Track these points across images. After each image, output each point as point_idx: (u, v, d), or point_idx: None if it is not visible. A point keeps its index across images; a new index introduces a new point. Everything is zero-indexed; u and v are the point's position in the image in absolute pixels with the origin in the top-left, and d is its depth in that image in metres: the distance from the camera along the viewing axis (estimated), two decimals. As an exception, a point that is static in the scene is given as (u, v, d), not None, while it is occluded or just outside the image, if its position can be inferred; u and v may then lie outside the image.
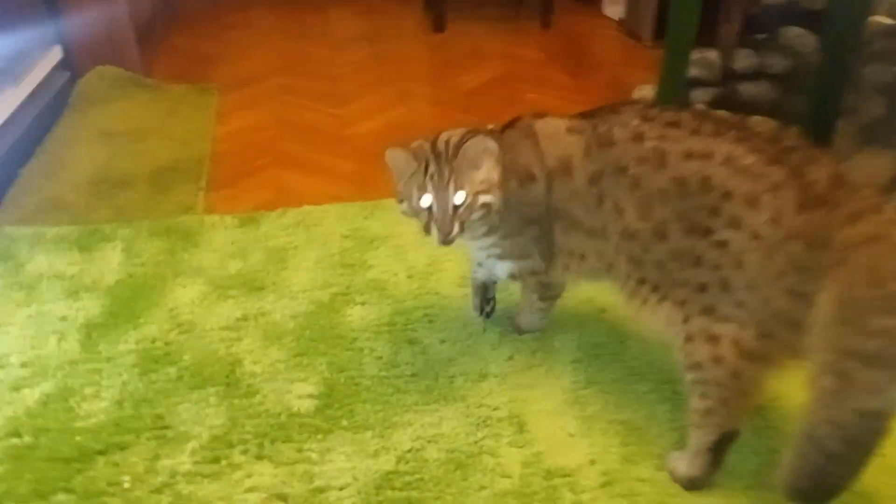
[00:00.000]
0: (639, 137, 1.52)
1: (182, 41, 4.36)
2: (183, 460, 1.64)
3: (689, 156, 1.45)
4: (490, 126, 1.72)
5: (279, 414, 1.76)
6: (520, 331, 2.00)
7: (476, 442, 1.69)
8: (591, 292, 2.13)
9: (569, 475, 1.61)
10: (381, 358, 1.93)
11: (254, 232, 2.45)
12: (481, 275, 1.98)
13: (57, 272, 2.24)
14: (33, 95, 3.02)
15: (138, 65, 3.63)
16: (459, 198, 1.56)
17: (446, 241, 1.58)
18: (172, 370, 1.88)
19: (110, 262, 2.29)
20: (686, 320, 1.48)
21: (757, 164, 1.38)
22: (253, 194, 2.72)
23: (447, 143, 1.60)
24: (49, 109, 3.14)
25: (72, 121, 3.22)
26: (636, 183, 1.50)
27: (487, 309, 2.05)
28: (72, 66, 3.41)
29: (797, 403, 1.37)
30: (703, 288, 1.43)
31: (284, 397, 1.81)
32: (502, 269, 1.82)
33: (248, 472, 1.61)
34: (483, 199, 1.59)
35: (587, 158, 1.58)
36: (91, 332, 2.00)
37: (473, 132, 1.62)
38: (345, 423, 1.74)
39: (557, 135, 1.64)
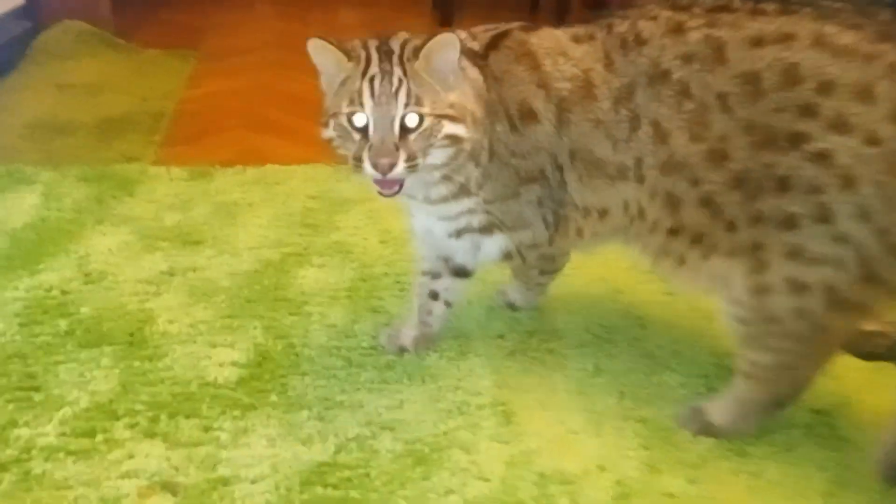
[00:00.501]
0: (678, 29, 1.13)
1: (170, 15, 4.04)
2: (46, 431, 1.21)
3: (758, 42, 1.06)
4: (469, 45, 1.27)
5: (188, 382, 1.33)
6: (512, 307, 1.59)
7: (445, 433, 1.26)
8: (602, 270, 1.72)
9: (570, 482, 1.17)
10: (333, 326, 1.51)
11: (203, 186, 2.05)
12: (433, 267, 1.43)
13: (-46, 210, 1.84)
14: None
15: (110, 24, 3.29)
16: (412, 119, 1.11)
17: (385, 176, 1.11)
18: (63, 323, 1.46)
19: (22, 205, 1.89)
20: (759, 269, 1.11)
21: (861, 43, 0.99)
22: (213, 153, 2.33)
23: (404, 43, 1.16)
24: (1, 55, 2.78)
25: (25, 71, 2.86)
26: (684, 90, 1.12)
27: (412, 337, 1.45)
28: (34, 18, 3.07)
29: (869, 408, 1.24)
30: (789, 222, 1.06)
31: (200, 363, 1.38)
32: (491, 247, 1.34)
33: (129, 451, 1.18)
34: (450, 128, 1.13)
35: (609, 70, 1.18)
36: (-26, 274, 1.59)
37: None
38: (274, 398, 1.31)
39: (562, 47, 1.22)
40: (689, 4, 1.16)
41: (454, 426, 1.27)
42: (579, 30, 1.24)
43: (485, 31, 1.27)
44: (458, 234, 1.32)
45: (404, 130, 1.12)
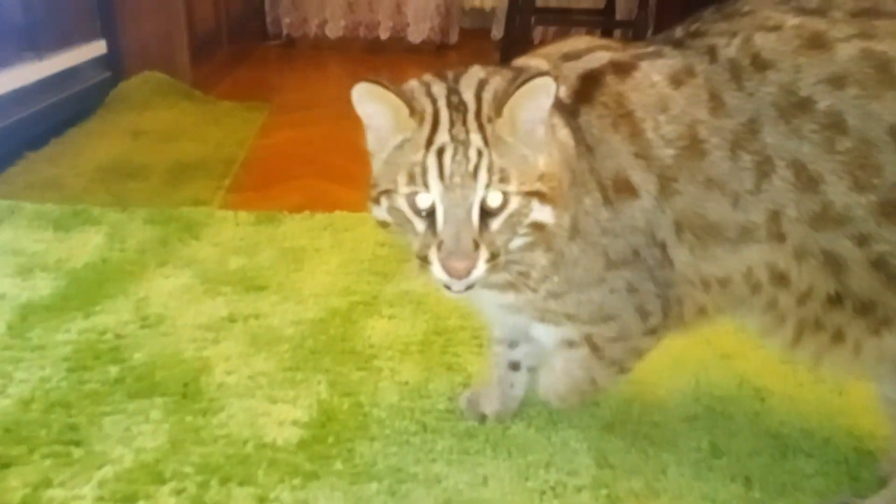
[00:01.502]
0: (817, 42, 0.91)
1: (246, 71, 4.12)
2: (83, 493, 1.06)
3: None
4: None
5: (245, 442, 1.17)
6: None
7: (537, 519, 1.06)
8: (705, 331, 1.51)
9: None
10: (405, 384, 1.34)
11: (270, 231, 1.95)
12: (509, 334, 1.23)
13: (17, 248, 1.78)
14: (61, 82, 2.69)
15: (188, 76, 3.33)
16: (495, 198, 0.87)
17: (462, 284, 0.89)
18: (113, 370, 1.33)
19: (86, 245, 1.81)
20: None
21: None
22: (281, 199, 2.24)
23: (480, 89, 0.90)
24: (77, 102, 2.81)
25: (102, 118, 2.88)
26: (836, 124, 0.89)
27: (494, 409, 1.25)
28: (116, 67, 3.11)
29: None
30: None
31: (258, 420, 1.23)
32: (550, 336, 1.10)
33: (173, 522, 1.02)
34: (538, 212, 0.90)
35: (719, 115, 0.94)
36: (28, 314, 1.49)
37: (531, 72, 0.89)
38: (339, 466, 1.14)
39: (663, 100, 0.96)
40: (822, 7, 0.93)
41: (550, 509, 1.07)
42: (675, 63, 0.97)
43: (564, 58, 1.02)
44: (516, 316, 1.08)
45: (484, 215, 0.88)
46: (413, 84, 0.93)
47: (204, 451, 1.15)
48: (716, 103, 0.94)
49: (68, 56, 2.74)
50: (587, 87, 0.98)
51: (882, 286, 0.92)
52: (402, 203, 0.89)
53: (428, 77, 0.94)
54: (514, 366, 1.25)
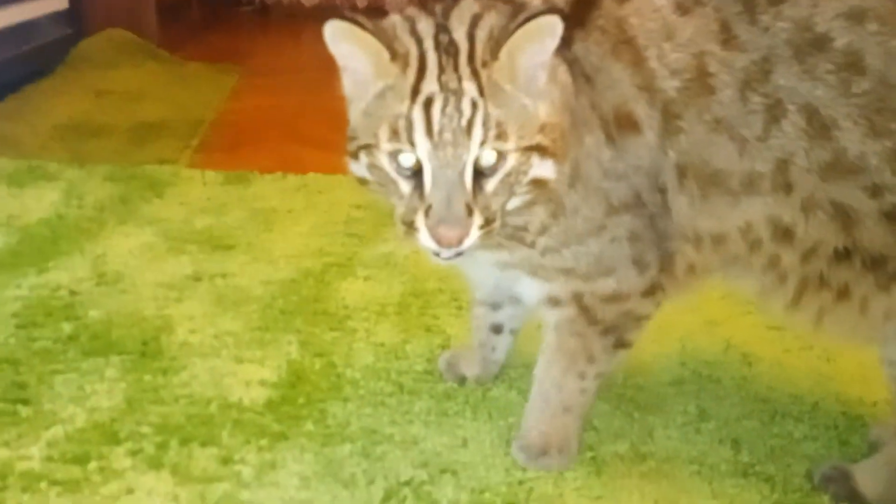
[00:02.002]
0: None
1: (217, 35, 3.96)
2: (29, 453, 0.98)
3: None
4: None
5: (207, 402, 1.10)
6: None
7: (521, 482, 1.00)
8: (692, 298, 1.46)
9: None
10: (381, 345, 1.27)
11: (240, 191, 1.86)
12: (492, 296, 1.15)
13: (-34, 203, 1.67)
14: (17, 36, 2.55)
15: (155, 36, 3.19)
16: (489, 156, 0.78)
17: (452, 251, 0.80)
18: (66, 327, 1.25)
19: (41, 201, 1.71)
20: None
21: None
22: (252, 160, 2.14)
23: (473, 27, 0.80)
24: (36, 59, 2.67)
25: (62, 76, 2.74)
26: (854, 63, 0.83)
27: (475, 373, 1.18)
28: (77, 24, 2.96)
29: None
30: None
31: (223, 381, 1.15)
32: (538, 291, 0.99)
33: (128, 484, 0.95)
34: (539, 167, 0.81)
35: (730, 48, 0.87)
36: (-25, 270, 1.40)
37: (524, 9, 0.80)
38: (309, 427, 1.07)
39: (667, 26, 0.89)
40: None
41: (532, 475, 1.01)
42: None
43: None
44: (502, 266, 0.98)
45: (478, 175, 0.78)
46: (395, 20, 0.83)
47: (163, 411, 1.07)
48: (727, 35, 0.87)
49: (25, 9, 2.59)
50: (580, 10, 0.89)
51: (894, 239, 0.87)
52: (383, 161, 0.80)
53: (413, 11, 0.83)
54: (497, 329, 1.19)
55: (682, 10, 0.89)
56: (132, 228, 1.61)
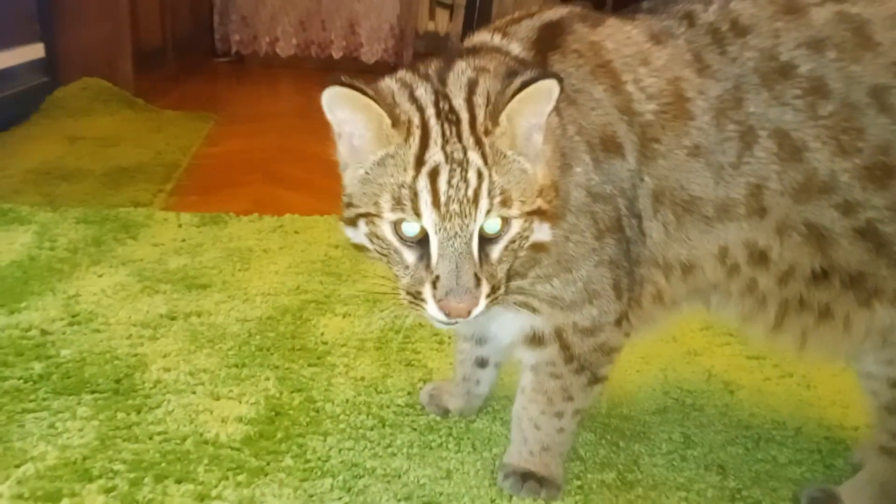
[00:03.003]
0: (793, 8, 0.89)
1: (194, 85, 3.99)
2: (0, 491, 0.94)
3: None
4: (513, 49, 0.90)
5: (183, 439, 1.07)
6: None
7: (506, 512, 0.98)
8: (671, 329, 1.48)
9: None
10: (361, 379, 1.25)
11: (215, 232, 1.85)
12: (478, 339, 1.14)
13: (-66, 246, 1.63)
14: (-8, 83, 2.55)
15: (131, 85, 3.21)
16: (494, 224, 0.78)
17: (460, 318, 0.78)
18: (38, 366, 1.21)
19: (12, 243, 1.67)
20: None
21: None
22: (227, 203, 2.13)
23: (471, 93, 0.79)
24: (10, 106, 2.66)
25: (36, 123, 2.73)
26: (818, 88, 0.87)
27: (458, 406, 1.17)
28: (53, 72, 2.97)
29: None
30: None
31: (199, 417, 1.12)
32: (519, 329, 0.97)
33: (100, 522, 0.91)
34: (539, 232, 0.82)
35: (704, 75, 0.90)
36: (-58, 311, 1.36)
37: (532, 74, 0.78)
38: (288, 462, 1.04)
39: (642, 53, 0.91)
40: None
41: (518, 503, 0.99)
42: (653, 23, 0.94)
43: (518, 21, 0.94)
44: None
45: (482, 242, 0.78)
46: (392, 85, 0.81)
47: (137, 448, 1.04)
48: (701, 64, 0.89)
49: (1, 57, 2.59)
50: (550, 35, 0.90)
51: (871, 256, 0.89)
52: (386, 231, 0.78)
53: (408, 76, 0.82)
54: (482, 362, 1.18)
55: (656, 39, 0.91)
56: (105, 269, 1.59)
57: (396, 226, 0.77)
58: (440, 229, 0.76)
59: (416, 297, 0.78)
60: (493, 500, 1.00)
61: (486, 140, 0.77)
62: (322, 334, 1.39)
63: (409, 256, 0.78)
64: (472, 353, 1.17)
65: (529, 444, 1.02)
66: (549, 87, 0.76)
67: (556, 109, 0.85)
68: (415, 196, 0.75)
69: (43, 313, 1.38)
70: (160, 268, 1.62)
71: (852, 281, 0.90)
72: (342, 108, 0.78)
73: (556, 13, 0.93)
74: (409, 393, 1.22)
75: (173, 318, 1.40)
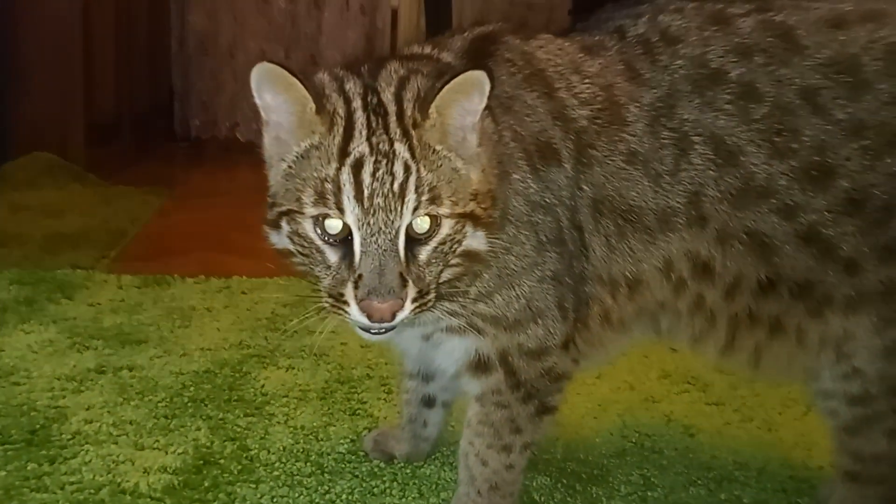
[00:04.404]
0: (720, 19, 0.90)
1: (148, 164, 3.95)
2: None
3: (838, 23, 0.87)
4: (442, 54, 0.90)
5: (98, 489, 0.97)
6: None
7: (454, 558, 0.90)
8: (629, 377, 1.43)
9: None
10: (300, 428, 1.17)
11: (157, 292, 1.77)
12: (425, 375, 1.09)
13: None
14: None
15: (82, 159, 3.16)
16: (422, 223, 0.75)
17: (384, 326, 0.75)
18: (-57, 419, 1.11)
19: (-66, 303, 1.58)
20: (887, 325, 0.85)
21: None
22: (174, 269, 2.05)
23: (401, 87, 0.78)
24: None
25: (-22, 195, 2.65)
26: (749, 92, 0.87)
27: (404, 451, 1.11)
28: (2, 146, 2.92)
29: None
30: None
31: (119, 467, 1.03)
32: (464, 355, 0.91)
33: (-10, 578, 0.80)
34: (471, 238, 0.78)
35: (636, 83, 0.90)
36: None
37: (459, 67, 0.80)
38: (214, 511, 0.95)
39: (574, 63, 0.91)
40: None
41: (466, 547, 0.91)
42: (585, 38, 0.94)
43: (451, 36, 0.93)
44: (427, 337, 0.93)
45: (410, 243, 0.74)
46: (323, 77, 0.80)
47: (45, 499, 0.94)
48: (633, 73, 0.90)
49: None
50: (482, 45, 0.90)
51: (817, 262, 0.87)
52: (308, 228, 0.75)
53: (340, 71, 0.81)
54: (429, 402, 1.11)
55: (587, 51, 0.92)
56: (35, 326, 1.50)
57: (319, 222, 0.74)
58: (363, 224, 0.72)
59: (338, 299, 0.74)
60: (439, 546, 0.91)
61: (414, 133, 0.74)
62: (262, 386, 1.31)
63: (332, 256, 0.75)
64: (418, 391, 1.11)
65: (477, 482, 0.94)
66: (479, 78, 0.75)
67: (492, 115, 0.84)
68: (338, 190, 0.72)
69: (-42, 368, 1.28)
70: (94, 325, 1.53)
71: (801, 290, 0.88)
72: (269, 89, 0.76)
73: (487, 27, 0.93)
74: (352, 440, 1.14)
75: (101, 372, 1.31)
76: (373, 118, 0.75)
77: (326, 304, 0.75)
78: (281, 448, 1.10)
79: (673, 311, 0.94)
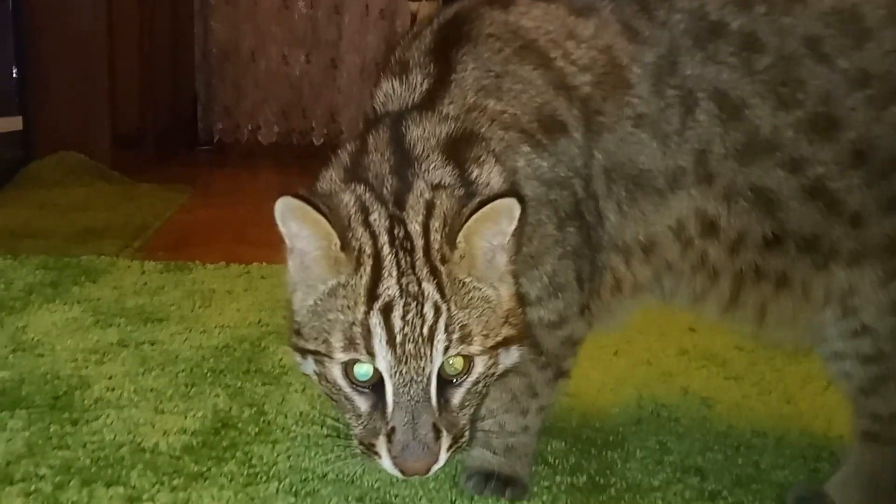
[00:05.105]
0: None
1: (173, 165, 4.03)
2: None
3: None
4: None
5: (119, 447, 0.99)
6: (486, 483, 0.97)
7: (467, 512, 0.90)
8: (646, 354, 1.43)
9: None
10: (317, 396, 1.18)
11: (179, 277, 1.80)
12: None
13: None
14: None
15: (108, 159, 3.23)
16: (456, 364, 0.72)
17: (417, 475, 0.73)
18: (-30, 385, 1.14)
19: (-36, 285, 1.62)
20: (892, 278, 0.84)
21: None
22: (196, 259, 2.09)
23: (428, 207, 0.74)
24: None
25: (7, 194, 2.72)
26: (751, 43, 0.86)
27: None
28: (29, 146, 2.99)
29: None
30: None
31: (139, 429, 1.04)
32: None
33: (15, 522, 0.82)
34: (506, 357, 0.76)
35: (636, 42, 0.88)
36: None
37: (488, 195, 0.74)
38: (232, 467, 0.96)
39: (566, 27, 0.89)
40: None
41: (480, 502, 0.91)
42: (573, 0, 0.91)
43: (412, 41, 0.88)
44: None
45: (442, 386, 0.71)
46: (350, 205, 0.74)
47: (66, 455, 0.96)
48: (631, 32, 0.88)
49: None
50: (452, 33, 0.86)
51: (822, 216, 0.86)
52: (337, 374, 0.71)
53: (362, 190, 0.75)
54: None
55: (578, 12, 0.90)
56: (59, 306, 1.53)
57: (348, 368, 0.71)
58: (395, 373, 0.69)
59: (370, 448, 0.72)
60: (453, 501, 0.92)
61: (442, 269, 0.71)
62: (280, 360, 1.33)
63: (362, 404, 0.72)
64: None
65: (492, 444, 0.95)
66: (509, 206, 0.71)
67: (479, 107, 0.82)
68: (368, 334, 0.69)
69: (-15, 342, 1.31)
70: (116, 305, 1.56)
71: (807, 244, 0.87)
72: (294, 220, 0.72)
73: (450, 10, 0.90)
74: (368, 408, 1.15)
75: (123, 346, 1.34)
76: (401, 255, 0.71)
77: (357, 451, 0.73)
78: (298, 413, 1.12)
79: (677, 271, 0.93)
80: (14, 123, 2.89)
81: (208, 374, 1.24)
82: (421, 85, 0.84)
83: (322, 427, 1.08)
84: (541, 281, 0.87)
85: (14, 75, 2.92)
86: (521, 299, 0.79)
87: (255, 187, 3.54)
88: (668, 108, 0.88)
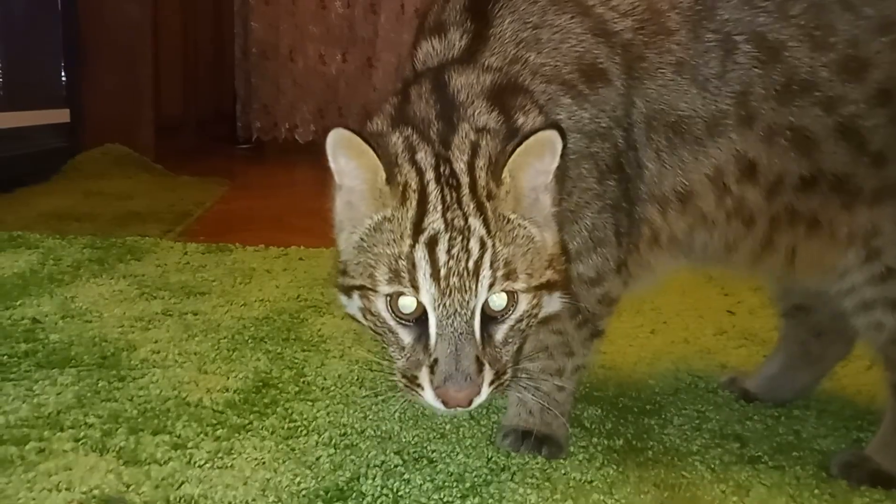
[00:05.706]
0: None
1: (213, 160, 4.11)
2: (-39, 438, 0.89)
3: None
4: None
5: (164, 400, 1.02)
6: (522, 441, 0.97)
7: (504, 468, 0.90)
8: (684, 333, 1.42)
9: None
10: (356, 361, 1.20)
11: (220, 257, 1.84)
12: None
13: (-62, 260, 1.64)
14: (14, 140, 2.64)
15: (151, 152, 3.31)
16: (499, 300, 0.72)
17: (460, 408, 0.72)
18: (24, 346, 1.18)
19: (16, 260, 1.67)
20: None
21: None
22: (236, 241, 2.14)
23: (474, 155, 0.74)
24: (30, 165, 2.75)
25: (55, 183, 2.80)
26: None
27: None
28: (76, 138, 3.08)
29: None
30: None
31: (184, 386, 1.07)
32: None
33: (66, 463, 0.85)
34: (549, 304, 0.76)
35: None
36: (-64, 305, 1.34)
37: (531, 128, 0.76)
38: (273, 421, 0.98)
39: None
40: None
41: (517, 460, 0.92)
42: None
43: (444, 5, 0.89)
44: None
45: (486, 320, 0.71)
46: (398, 144, 0.75)
47: (114, 407, 0.99)
48: None
49: (27, 116, 2.71)
50: None
51: (852, 156, 0.88)
52: (381, 307, 0.72)
53: (409, 132, 0.77)
54: None
55: None
56: (105, 280, 1.57)
57: (392, 301, 0.71)
58: (439, 305, 0.69)
59: (412, 381, 0.72)
60: (489, 458, 0.92)
61: (488, 205, 0.71)
62: (319, 330, 1.35)
63: (406, 336, 0.73)
64: None
65: (529, 404, 0.95)
66: (550, 138, 0.72)
67: (519, 61, 0.84)
68: (412, 267, 0.69)
69: (37, 309, 1.36)
70: (160, 280, 1.60)
71: (838, 184, 0.89)
72: (344, 154, 0.73)
73: None
74: (405, 373, 1.16)
75: (168, 315, 1.38)
76: (446, 191, 0.72)
77: (400, 385, 0.74)
78: (336, 375, 1.13)
79: (710, 222, 0.92)
80: (62, 115, 2.98)
81: (249, 341, 1.26)
82: (460, 40, 0.85)
83: (360, 388, 1.09)
84: (580, 235, 0.88)
85: (62, 70, 3.01)
86: (566, 249, 0.79)
87: (291, 181, 3.60)
88: (708, 53, 0.89)
